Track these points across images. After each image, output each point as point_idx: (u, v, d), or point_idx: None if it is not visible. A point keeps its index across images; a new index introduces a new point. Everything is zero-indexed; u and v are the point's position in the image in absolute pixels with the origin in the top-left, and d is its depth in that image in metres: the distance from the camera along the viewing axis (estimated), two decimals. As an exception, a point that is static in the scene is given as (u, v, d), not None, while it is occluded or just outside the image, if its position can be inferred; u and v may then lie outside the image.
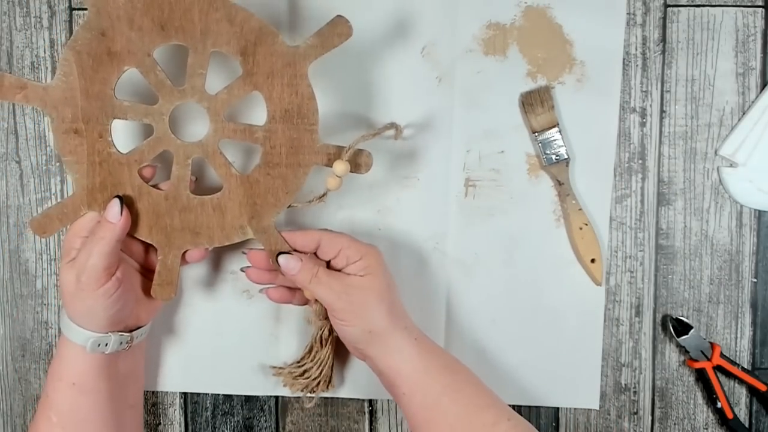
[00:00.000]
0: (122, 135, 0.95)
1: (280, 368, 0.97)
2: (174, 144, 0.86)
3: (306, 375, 0.95)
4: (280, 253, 0.86)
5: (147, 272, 0.91)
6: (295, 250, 0.87)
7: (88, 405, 0.86)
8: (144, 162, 0.86)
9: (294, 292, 0.93)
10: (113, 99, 0.84)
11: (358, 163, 0.87)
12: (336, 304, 0.84)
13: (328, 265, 0.88)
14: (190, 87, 0.84)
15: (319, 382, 0.95)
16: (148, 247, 0.91)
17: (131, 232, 0.86)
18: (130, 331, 0.88)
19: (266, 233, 0.87)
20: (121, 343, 0.86)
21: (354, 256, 0.85)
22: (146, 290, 0.90)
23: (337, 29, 0.83)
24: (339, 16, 0.83)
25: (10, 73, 0.98)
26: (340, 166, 0.84)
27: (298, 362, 0.96)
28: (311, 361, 0.95)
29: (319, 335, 0.93)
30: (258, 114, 0.87)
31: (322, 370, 0.94)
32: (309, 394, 0.96)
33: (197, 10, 0.82)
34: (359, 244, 0.86)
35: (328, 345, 0.94)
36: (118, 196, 0.83)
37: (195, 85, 0.84)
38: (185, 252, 0.88)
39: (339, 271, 0.87)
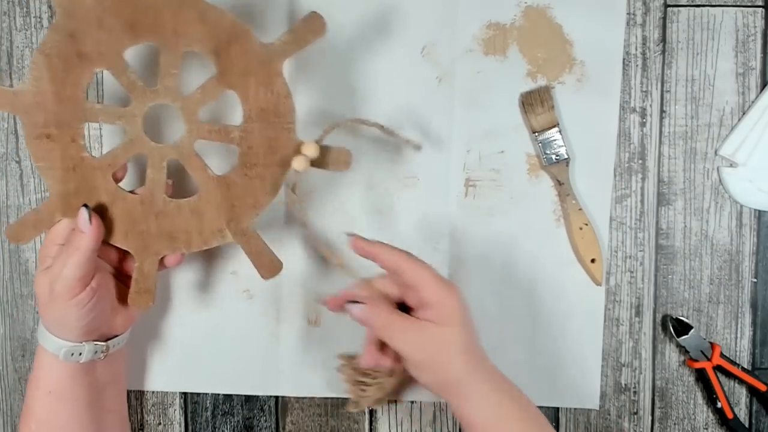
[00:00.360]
0: (108, 139, 0.95)
1: (349, 357, 0.94)
2: (148, 146, 0.83)
3: (363, 389, 0.93)
4: (352, 301, 0.82)
5: (123, 278, 0.90)
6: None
7: (66, 413, 0.85)
8: (118, 166, 0.83)
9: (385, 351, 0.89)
10: (85, 102, 0.81)
11: (338, 160, 0.85)
12: (411, 356, 0.81)
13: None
14: (162, 87, 0.82)
15: (371, 400, 0.93)
16: (124, 252, 0.87)
17: (106, 239, 0.83)
18: (106, 340, 0.87)
19: (245, 236, 0.85)
20: (95, 352, 0.85)
21: (432, 296, 0.80)
22: (122, 298, 0.88)
23: (312, 26, 0.81)
24: (313, 12, 0.81)
25: (10, 73, 0.98)
26: (310, 148, 0.82)
27: (364, 372, 0.93)
28: (374, 380, 0.92)
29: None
30: (238, 115, 0.85)
31: (379, 396, 0.93)
32: (354, 402, 0.94)
33: (168, 9, 0.79)
34: (440, 284, 0.81)
35: (396, 377, 0.92)
36: (85, 206, 0.80)
37: (168, 86, 0.82)
38: (162, 257, 0.86)
39: (412, 309, 0.84)
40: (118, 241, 0.84)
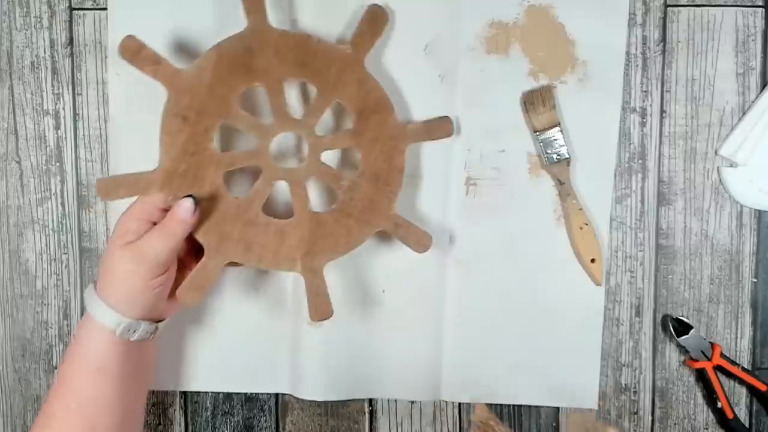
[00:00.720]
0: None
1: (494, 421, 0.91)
2: (266, 162, 0.89)
3: None
4: None
5: (183, 266, 0.90)
6: None
7: (112, 390, 0.83)
8: (233, 167, 0.87)
9: None
10: (232, 104, 0.87)
11: (419, 242, 0.92)
12: None
13: None
14: (304, 122, 0.89)
15: None
16: (192, 243, 0.89)
17: None
18: (156, 322, 0.87)
19: (313, 274, 0.88)
20: (148, 332, 0.85)
21: None
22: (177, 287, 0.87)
23: (443, 126, 0.92)
24: (447, 117, 0.93)
25: (10, 73, 0.98)
26: None
27: None
28: None
29: None
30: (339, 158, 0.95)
31: None
32: None
33: (337, 65, 0.89)
34: None
35: None
36: (192, 196, 0.83)
37: (308, 123, 0.90)
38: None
39: None
40: (198, 233, 0.86)
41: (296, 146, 0.96)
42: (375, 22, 0.90)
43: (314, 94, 0.90)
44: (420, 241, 0.91)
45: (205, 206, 0.86)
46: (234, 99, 0.87)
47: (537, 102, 0.93)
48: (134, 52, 0.85)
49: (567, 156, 0.93)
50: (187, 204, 0.82)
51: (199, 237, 0.86)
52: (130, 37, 0.85)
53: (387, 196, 0.90)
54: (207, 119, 0.86)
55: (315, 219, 0.89)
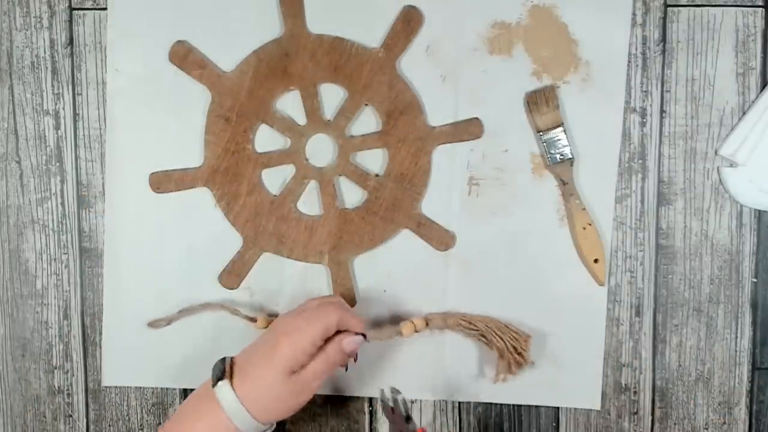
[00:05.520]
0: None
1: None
2: (299, 161, 0.93)
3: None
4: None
5: None
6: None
7: None
8: (269, 166, 0.93)
9: None
10: (270, 107, 0.92)
11: (440, 241, 0.92)
12: None
13: None
14: (335, 124, 0.92)
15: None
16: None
17: (230, 219, 0.93)
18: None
19: (339, 266, 0.93)
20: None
21: None
22: None
23: (470, 128, 0.91)
24: (476, 118, 0.91)
25: (10, 73, 0.96)
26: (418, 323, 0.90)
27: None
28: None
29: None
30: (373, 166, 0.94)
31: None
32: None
33: (368, 68, 0.91)
34: None
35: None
36: (363, 336, 0.84)
37: (339, 124, 0.92)
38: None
39: None
40: (238, 225, 0.93)
41: (327, 146, 0.94)
42: (409, 23, 0.91)
43: (345, 97, 0.92)
44: (442, 240, 0.92)
45: (243, 201, 0.92)
46: (272, 101, 0.92)
47: (540, 102, 0.90)
48: (182, 56, 0.92)
49: (570, 156, 0.91)
50: (358, 340, 0.82)
51: (239, 229, 0.93)
52: (179, 42, 0.91)
53: (411, 196, 0.92)
54: (247, 121, 0.92)
55: (342, 216, 0.92)
